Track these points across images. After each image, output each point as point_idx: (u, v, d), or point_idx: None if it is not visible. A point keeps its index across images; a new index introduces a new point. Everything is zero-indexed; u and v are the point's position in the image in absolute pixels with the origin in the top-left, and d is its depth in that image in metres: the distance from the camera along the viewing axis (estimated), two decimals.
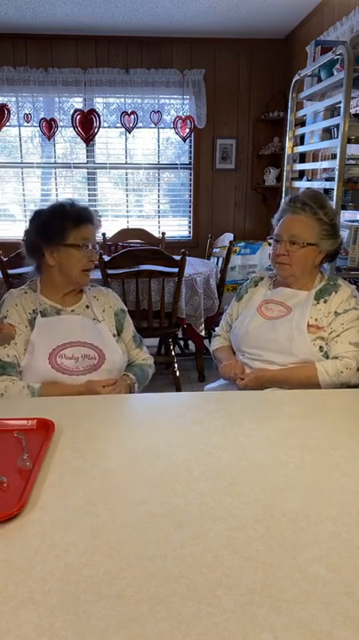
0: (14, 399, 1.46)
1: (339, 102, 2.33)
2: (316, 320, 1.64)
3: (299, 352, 1.61)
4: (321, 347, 1.62)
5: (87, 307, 1.66)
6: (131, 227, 4.88)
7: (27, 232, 1.62)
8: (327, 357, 1.62)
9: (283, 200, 1.77)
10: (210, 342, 2.00)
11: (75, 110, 4.79)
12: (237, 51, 4.85)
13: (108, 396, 1.51)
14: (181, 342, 4.13)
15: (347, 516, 0.89)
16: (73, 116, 4.79)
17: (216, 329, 1.95)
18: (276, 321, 1.67)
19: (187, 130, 4.95)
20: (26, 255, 1.65)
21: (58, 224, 1.57)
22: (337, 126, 2.41)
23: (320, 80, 2.75)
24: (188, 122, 4.93)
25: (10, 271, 2.96)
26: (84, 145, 4.96)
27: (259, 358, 1.67)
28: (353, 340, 1.61)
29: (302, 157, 3.87)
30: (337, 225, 1.69)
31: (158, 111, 4.90)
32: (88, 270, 1.62)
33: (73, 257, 1.57)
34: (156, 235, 4.54)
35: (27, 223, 1.65)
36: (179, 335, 3.94)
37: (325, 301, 1.66)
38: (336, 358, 1.61)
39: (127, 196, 5.21)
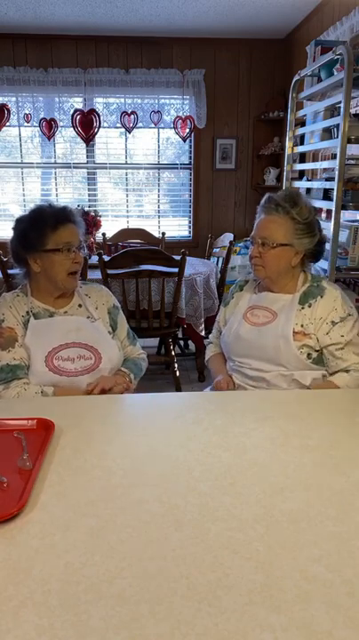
0: (13, 399, 1.46)
1: (339, 102, 2.33)
2: (302, 326, 1.60)
3: (287, 361, 1.59)
4: (309, 354, 1.59)
5: (80, 306, 1.65)
6: (131, 227, 4.88)
7: (11, 240, 1.62)
8: (315, 364, 1.59)
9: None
10: None
11: (75, 110, 4.79)
12: (237, 51, 4.85)
13: (108, 396, 1.51)
14: (181, 342, 4.13)
15: (347, 516, 0.89)
16: (73, 116, 4.79)
17: (209, 336, 1.94)
18: (262, 328, 1.64)
19: (187, 130, 4.94)
20: (14, 263, 1.65)
21: (36, 230, 1.55)
22: (337, 126, 2.41)
23: (320, 80, 2.75)
24: (188, 122, 4.93)
25: (10, 271, 2.96)
26: (84, 145, 4.96)
27: (249, 367, 1.65)
28: (357, 350, 1.60)
29: (302, 157, 3.87)
30: (313, 223, 1.63)
31: (158, 111, 4.90)
32: (74, 273, 1.59)
33: (55, 262, 1.55)
34: (156, 235, 4.54)
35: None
36: (179, 335, 3.94)
37: (310, 306, 1.62)
38: (346, 372, 1.59)
39: (127, 195, 5.21)
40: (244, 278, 1.86)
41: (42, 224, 1.55)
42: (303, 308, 1.62)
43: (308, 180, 3.00)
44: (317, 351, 1.61)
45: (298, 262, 1.65)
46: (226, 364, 1.79)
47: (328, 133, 2.75)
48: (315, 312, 1.61)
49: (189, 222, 5.27)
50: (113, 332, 1.68)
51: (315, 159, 3.67)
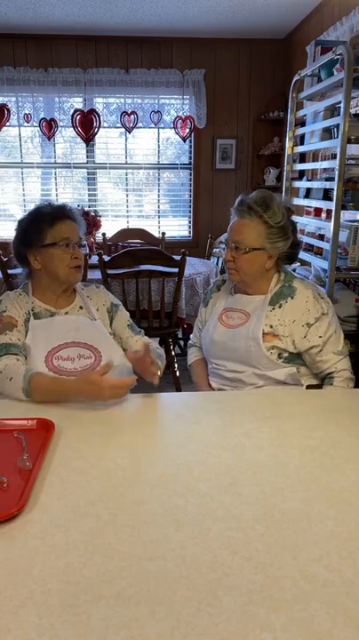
0: (14, 400, 1.46)
1: (339, 102, 2.33)
2: (272, 327, 1.58)
3: (258, 362, 1.58)
4: (279, 354, 1.58)
5: (81, 307, 1.66)
6: (131, 227, 4.88)
7: (13, 241, 1.64)
8: (287, 362, 1.59)
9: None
10: None
11: (75, 110, 4.79)
12: (237, 51, 4.85)
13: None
14: (181, 342, 4.13)
15: (347, 516, 0.89)
16: (73, 116, 4.79)
17: (191, 337, 1.93)
18: (236, 330, 1.64)
19: (187, 130, 4.94)
20: (17, 263, 1.67)
21: (35, 227, 1.57)
22: (337, 126, 2.41)
23: (320, 80, 2.75)
24: (188, 122, 4.92)
25: (10, 271, 2.96)
26: (84, 145, 4.96)
27: (225, 368, 1.65)
28: (335, 349, 1.59)
29: (302, 157, 3.87)
30: (286, 226, 1.60)
31: (158, 111, 4.90)
32: (76, 267, 1.59)
33: (54, 256, 1.56)
34: (156, 235, 4.54)
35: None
36: (179, 335, 3.94)
37: (281, 306, 1.60)
38: (331, 377, 1.60)
39: (127, 196, 5.21)
40: (222, 278, 1.84)
41: (40, 221, 1.58)
42: (273, 309, 1.61)
43: (308, 180, 3.00)
44: (289, 352, 1.59)
45: (272, 265, 1.64)
46: (207, 371, 1.78)
47: (328, 133, 2.75)
48: (284, 313, 1.60)
49: (189, 222, 5.27)
50: (111, 328, 1.68)
51: (315, 159, 3.67)
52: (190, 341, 1.93)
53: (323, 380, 1.64)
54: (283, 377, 1.58)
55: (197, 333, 1.88)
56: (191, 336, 1.94)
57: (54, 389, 1.37)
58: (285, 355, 1.59)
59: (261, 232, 1.58)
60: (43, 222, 1.57)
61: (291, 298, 1.61)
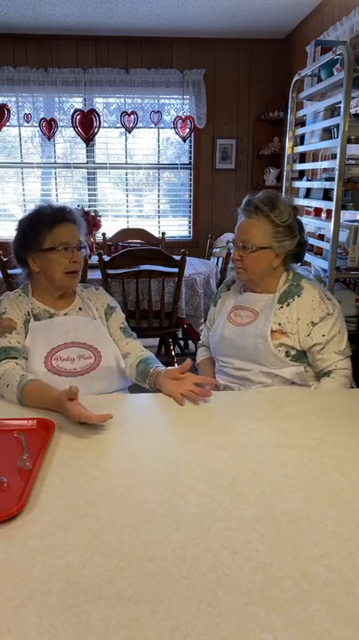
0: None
1: (339, 102, 2.33)
2: (280, 325, 1.60)
3: (265, 360, 1.60)
4: (287, 352, 1.60)
5: (80, 309, 1.65)
6: (131, 227, 4.88)
7: (13, 242, 1.63)
8: (295, 361, 1.60)
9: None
10: None
11: (75, 110, 4.79)
12: (237, 51, 4.85)
13: (108, 395, 1.51)
14: (181, 342, 4.13)
15: (347, 516, 0.89)
16: (73, 116, 4.79)
17: (201, 337, 1.95)
18: (244, 328, 1.65)
19: (187, 130, 4.94)
20: (16, 264, 1.66)
21: (34, 230, 1.55)
22: (337, 126, 2.41)
23: (320, 80, 2.75)
24: (188, 122, 4.92)
25: (10, 271, 2.96)
26: (84, 145, 4.96)
27: (231, 366, 1.67)
28: (337, 348, 1.60)
29: (302, 157, 3.87)
30: (292, 225, 1.63)
31: (158, 111, 4.90)
32: (72, 272, 1.57)
33: (52, 261, 1.54)
34: (156, 235, 4.54)
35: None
36: (179, 335, 3.94)
37: (288, 305, 1.62)
38: (329, 373, 1.60)
39: (127, 196, 5.21)
40: (232, 278, 1.86)
41: (39, 224, 1.56)
42: (282, 307, 1.63)
43: (308, 180, 3.00)
44: (297, 350, 1.61)
45: (279, 263, 1.65)
46: (214, 369, 1.79)
47: (328, 133, 2.75)
48: (292, 311, 1.61)
49: (189, 222, 5.27)
50: (108, 329, 1.69)
51: (315, 159, 3.67)
52: (200, 341, 1.95)
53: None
54: (291, 375, 1.59)
55: (206, 333, 1.90)
56: (201, 336, 1.96)
57: (40, 403, 1.34)
58: (293, 353, 1.61)
59: (268, 231, 1.60)
60: (42, 225, 1.55)
61: (298, 296, 1.63)
